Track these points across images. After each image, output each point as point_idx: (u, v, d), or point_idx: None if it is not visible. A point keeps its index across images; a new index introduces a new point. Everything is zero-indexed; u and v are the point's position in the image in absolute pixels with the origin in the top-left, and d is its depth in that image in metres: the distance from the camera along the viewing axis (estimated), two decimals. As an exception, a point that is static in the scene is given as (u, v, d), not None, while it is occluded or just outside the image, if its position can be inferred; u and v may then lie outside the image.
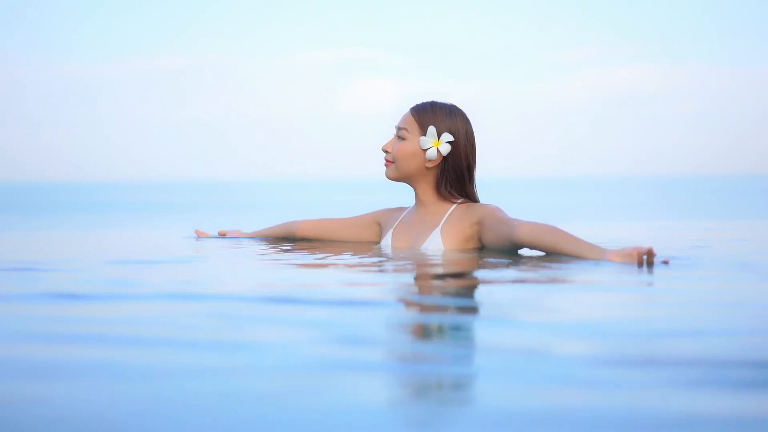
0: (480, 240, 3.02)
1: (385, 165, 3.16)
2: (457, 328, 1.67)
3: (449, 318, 1.80)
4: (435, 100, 3.15)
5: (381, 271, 2.73)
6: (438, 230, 3.05)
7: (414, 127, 3.09)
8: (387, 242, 3.26)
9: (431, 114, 3.08)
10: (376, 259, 2.98)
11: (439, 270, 2.63)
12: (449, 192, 3.08)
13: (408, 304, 2.03)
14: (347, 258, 3.04)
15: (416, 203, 3.21)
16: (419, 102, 3.16)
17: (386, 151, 3.14)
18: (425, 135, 3.07)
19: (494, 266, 2.66)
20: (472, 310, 1.95)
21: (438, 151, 3.05)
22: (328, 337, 1.56)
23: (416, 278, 2.48)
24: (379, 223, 3.41)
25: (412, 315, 1.88)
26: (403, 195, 3.64)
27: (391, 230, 3.27)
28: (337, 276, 2.57)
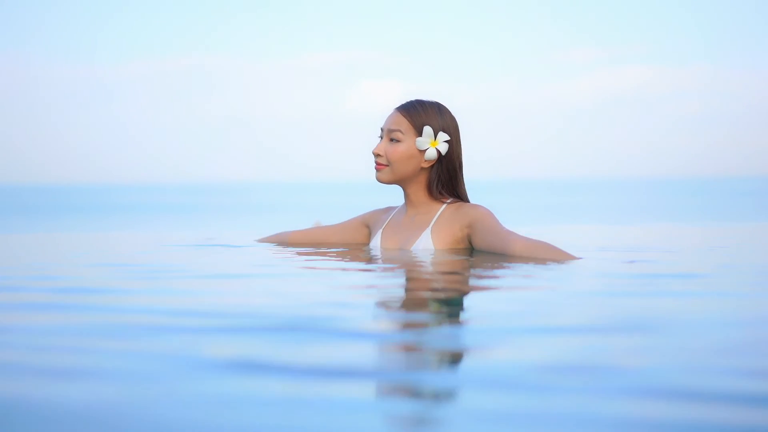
0: (470, 242, 2.98)
1: (377, 169, 3.07)
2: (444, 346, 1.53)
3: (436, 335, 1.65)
4: (419, 98, 3.09)
5: (368, 274, 2.66)
6: (428, 231, 3.01)
7: (408, 128, 3.03)
8: (376, 244, 3.21)
9: (423, 114, 3.03)
10: (363, 263, 2.91)
11: (428, 276, 2.55)
12: (440, 192, 3.05)
13: (392, 314, 1.96)
14: (333, 261, 2.99)
15: (406, 203, 3.15)
16: (404, 102, 3.10)
17: (378, 155, 3.07)
18: (421, 135, 3.02)
19: (484, 272, 2.59)
20: (462, 323, 1.84)
21: (437, 150, 3.01)
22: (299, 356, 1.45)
23: (405, 284, 2.41)
24: (367, 225, 3.35)
25: (396, 331, 1.73)
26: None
27: (380, 231, 3.22)
28: (319, 282, 2.50)
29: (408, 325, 1.74)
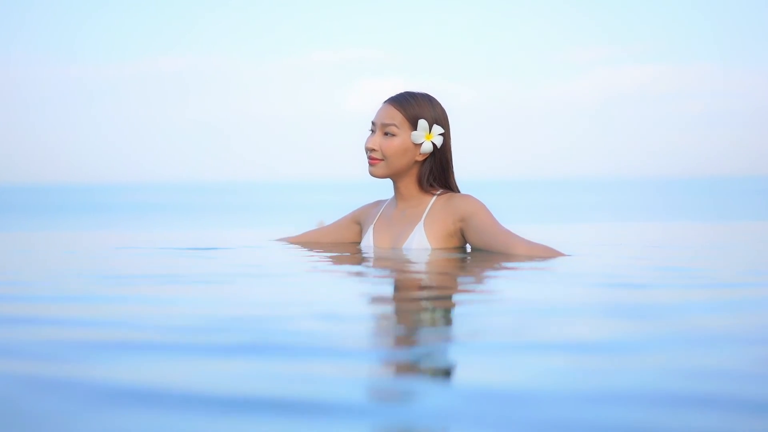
0: (463, 237, 2.96)
1: (371, 163, 3.01)
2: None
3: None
4: (408, 90, 3.04)
5: (359, 281, 2.46)
6: (420, 225, 2.96)
7: (402, 121, 2.97)
8: (368, 242, 3.15)
9: (417, 106, 2.98)
10: (355, 266, 2.76)
11: (421, 282, 2.35)
12: (430, 184, 3.01)
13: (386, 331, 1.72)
14: (324, 265, 2.83)
15: (396, 197, 3.10)
16: (395, 95, 3.04)
17: (373, 149, 3.00)
18: (416, 129, 2.96)
19: (488, 276, 2.46)
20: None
21: (433, 144, 2.97)
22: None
23: (398, 293, 2.20)
24: (358, 222, 3.30)
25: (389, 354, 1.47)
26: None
27: (372, 227, 3.16)
28: (300, 289, 2.29)
29: (398, 341, 1.53)
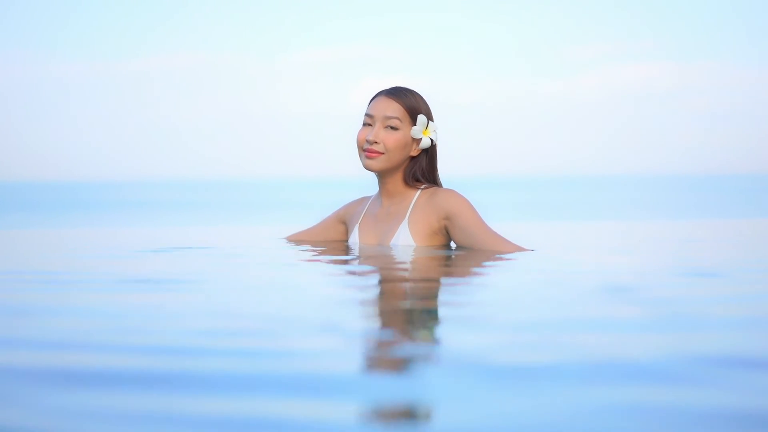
0: (448, 234, 2.94)
1: (369, 156, 2.95)
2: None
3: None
4: (400, 85, 3.02)
5: (349, 284, 2.37)
6: (405, 223, 2.94)
7: (404, 115, 2.95)
8: (354, 240, 3.13)
9: (416, 102, 2.98)
10: (343, 268, 2.67)
11: (408, 282, 2.28)
12: (416, 179, 2.99)
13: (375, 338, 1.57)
14: (313, 266, 2.74)
15: (381, 193, 3.06)
16: (390, 88, 3.01)
17: (375, 142, 2.94)
18: (416, 124, 2.95)
19: (485, 275, 2.42)
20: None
21: (431, 140, 2.96)
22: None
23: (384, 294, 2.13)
24: (343, 221, 3.27)
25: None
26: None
27: (357, 225, 3.13)
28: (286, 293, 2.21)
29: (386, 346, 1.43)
